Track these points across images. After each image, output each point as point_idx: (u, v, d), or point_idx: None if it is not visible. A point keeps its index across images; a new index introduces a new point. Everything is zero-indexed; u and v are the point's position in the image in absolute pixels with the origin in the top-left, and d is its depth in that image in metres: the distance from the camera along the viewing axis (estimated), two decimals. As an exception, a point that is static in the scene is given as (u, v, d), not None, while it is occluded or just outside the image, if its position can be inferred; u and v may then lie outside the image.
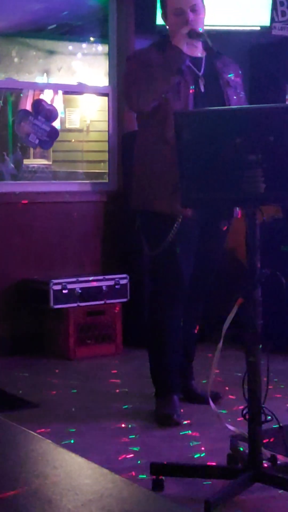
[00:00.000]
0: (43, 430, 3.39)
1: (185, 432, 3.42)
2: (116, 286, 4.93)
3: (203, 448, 3.22)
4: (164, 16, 3.68)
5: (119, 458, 3.11)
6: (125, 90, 3.69)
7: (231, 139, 2.62)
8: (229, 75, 3.69)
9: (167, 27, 3.68)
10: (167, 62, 3.51)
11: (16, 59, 6.08)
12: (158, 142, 3.56)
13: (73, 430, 3.46)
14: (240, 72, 3.78)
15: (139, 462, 3.06)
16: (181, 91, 3.54)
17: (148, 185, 3.58)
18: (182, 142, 2.76)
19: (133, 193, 3.70)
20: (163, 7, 3.68)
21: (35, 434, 1.45)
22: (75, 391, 4.09)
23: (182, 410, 3.58)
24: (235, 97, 3.67)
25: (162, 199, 3.52)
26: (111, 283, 4.92)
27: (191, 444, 3.27)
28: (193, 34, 3.55)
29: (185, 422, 3.52)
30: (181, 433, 3.41)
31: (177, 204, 3.47)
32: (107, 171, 5.45)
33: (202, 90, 3.59)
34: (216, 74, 3.65)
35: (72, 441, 3.30)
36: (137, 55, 3.75)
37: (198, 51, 3.66)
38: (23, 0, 5.40)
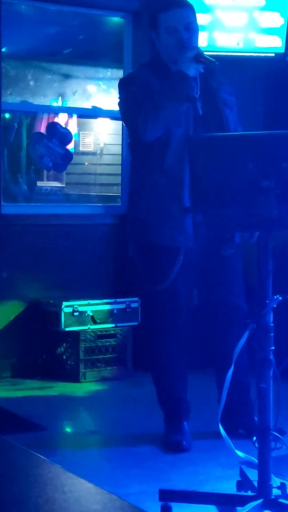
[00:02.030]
0: (51, 453, 3.37)
1: (194, 458, 3.40)
2: (127, 310, 4.92)
3: (212, 475, 3.19)
4: (156, 35, 3.51)
5: (128, 483, 3.09)
6: (127, 117, 3.50)
7: (244, 165, 2.63)
8: (225, 94, 3.58)
9: (158, 46, 3.53)
10: (174, 89, 3.36)
11: (31, 83, 6.13)
12: (155, 171, 3.45)
13: (81, 453, 3.44)
14: (232, 91, 3.65)
15: (147, 487, 3.03)
16: (181, 116, 3.43)
17: (147, 217, 3.48)
18: (195, 167, 2.77)
19: (130, 226, 3.60)
20: (154, 25, 3.51)
21: (44, 458, 1.44)
22: (84, 414, 4.08)
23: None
24: (233, 119, 3.58)
25: (163, 231, 3.44)
26: (122, 306, 4.92)
27: (200, 470, 3.25)
28: (199, 59, 3.37)
29: (195, 447, 3.50)
30: (190, 459, 3.39)
31: (179, 237, 3.45)
32: (120, 194, 5.46)
33: (200, 112, 3.49)
34: (212, 94, 3.54)
35: (79, 465, 3.28)
36: (133, 78, 3.56)
37: None
38: (39, 24, 5.45)
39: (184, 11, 3.49)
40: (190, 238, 3.43)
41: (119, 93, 3.58)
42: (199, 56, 3.39)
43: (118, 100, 3.59)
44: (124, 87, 3.56)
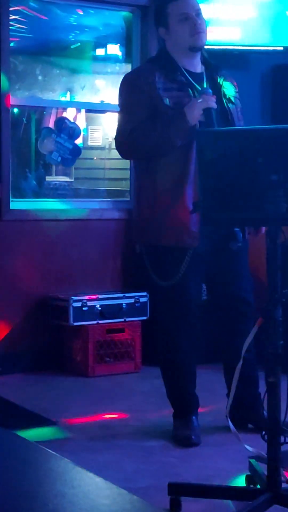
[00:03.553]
0: (60, 447, 3.38)
1: (203, 452, 3.40)
2: (136, 304, 4.92)
3: (221, 469, 3.19)
4: (165, 28, 3.51)
5: (137, 477, 3.09)
6: (120, 124, 3.50)
7: (253, 159, 2.62)
8: (231, 91, 3.59)
9: (165, 38, 3.52)
10: (173, 126, 3.36)
11: (40, 77, 6.12)
12: (158, 170, 3.44)
13: (91, 447, 3.45)
14: (236, 86, 3.66)
15: (157, 482, 3.04)
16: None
17: (152, 218, 3.48)
18: (203, 162, 2.76)
19: (136, 226, 3.61)
20: (162, 17, 3.51)
21: (53, 452, 1.45)
22: (93, 409, 4.08)
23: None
24: (237, 114, 3.59)
25: (169, 233, 3.44)
26: (131, 301, 4.92)
27: (209, 464, 3.25)
28: (207, 113, 3.40)
29: (204, 442, 3.50)
30: (199, 453, 3.39)
31: (187, 238, 3.44)
32: (128, 189, 5.46)
33: None
34: (218, 89, 3.54)
35: (89, 460, 3.28)
36: (137, 79, 3.51)
37: (198, 66, 3.54)
38: (47, 19, 5.44)
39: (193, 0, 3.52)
40: (196, 237, 3.42)
41: (120, 91, 3.58)
42: (207, 110, 3.41)
43: (118, 95, 3.59)
44: (126, 87, 3.55)
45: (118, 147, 3.58)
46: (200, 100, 3.41)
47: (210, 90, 3.47)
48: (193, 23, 3.46)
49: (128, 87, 3.55)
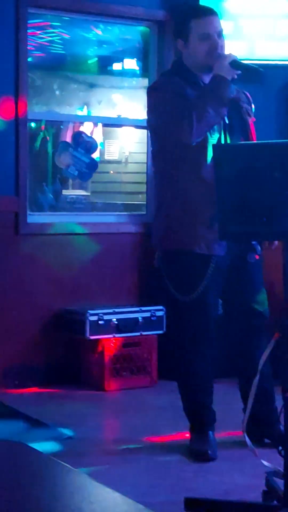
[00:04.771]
0: (77, 462, 3.37)
1: (220, 467, 3.39)
2: (152, 318, 4.92)
3: (238, 484, 3.18)
4: (184, 42, 3.51)
5: (154, 492, 3.08)
6: (166, 121, 3.44)
7: (270, 173, 2.62)
8: (246, 104, 3.60)
9: (183, 51, 3.52)
10: (216, 93, 3.38)
11: (57, 92, 6.15)
12: (190, 178, 3.44)
13: (107, 462, 3.44)
14: (251, 100, 3.66)
15: (173, 497, 3.03)
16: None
17: (181, 225, 3.47)
18: (221, 176, 2.77)
19: (159, 233, 3.59)
20: (183, 32, 3.52)
21: (71, 467, 1.45)
22: (109, 422, 4.08)
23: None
24: (254, 127, 3.59)
25: (199, 239, 3.43)
26: (147, 314, 4.92)
27: (226, 479, 3.24)
28: (236, 65, 3.40)
29: (220, 457, 3.49)
30: (216, 468, 3.38)
31: (214, 244, 3.44)
32: (145, 202, 5.47)
33: (227, 121, 3.50)
34: (235, 103, 3.54)
35: (105, 474, 3.28)
36: (165, 84, 3.55)
37: None
38: (65, 34, 5.48)
39: (216, 19, 3.54)
40: (224, 246, 3.43)
41: (151, 99, 3.56)
42: (234, 63, 3.41)
43: (150, 106, 3.58)
44: (157, 92, 3.55)
45: (185, 135, 3.37)
46: (220, 57, 3.42)
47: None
48: (214, 45, 3.46)
49: (159, 92, 3.53)
